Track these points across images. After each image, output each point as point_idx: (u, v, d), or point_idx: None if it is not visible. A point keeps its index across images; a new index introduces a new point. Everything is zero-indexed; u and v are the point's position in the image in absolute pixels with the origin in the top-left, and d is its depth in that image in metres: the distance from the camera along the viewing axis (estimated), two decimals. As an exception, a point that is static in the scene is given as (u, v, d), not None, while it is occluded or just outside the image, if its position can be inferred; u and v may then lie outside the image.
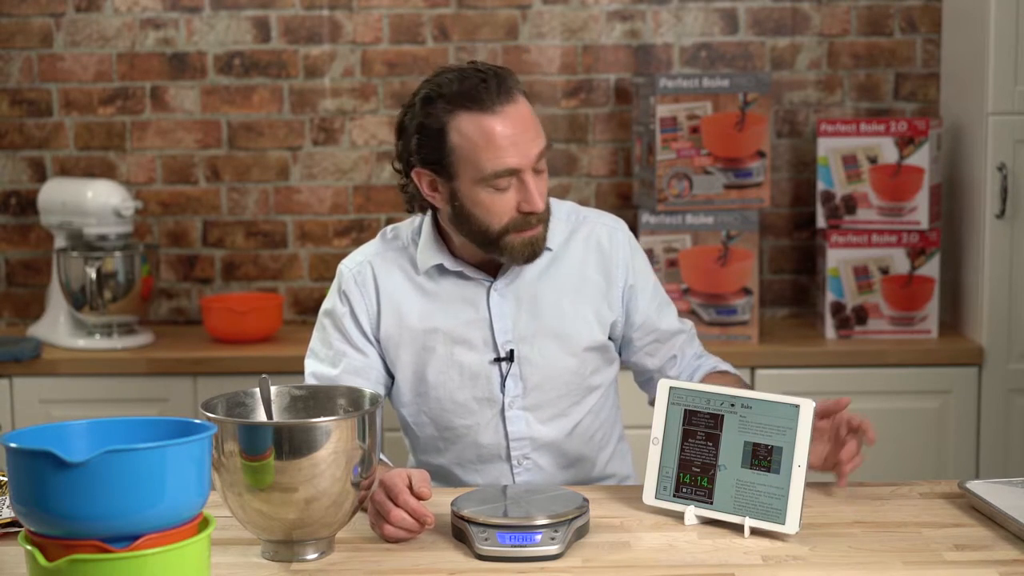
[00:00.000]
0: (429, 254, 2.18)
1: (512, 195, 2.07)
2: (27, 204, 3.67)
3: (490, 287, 2.18)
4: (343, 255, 3.69)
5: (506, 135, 2.04)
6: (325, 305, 2.24)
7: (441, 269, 2.19)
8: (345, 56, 3.63)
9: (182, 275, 3.71)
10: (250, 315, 3.42)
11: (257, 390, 1.86)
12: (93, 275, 3.34)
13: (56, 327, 3.45)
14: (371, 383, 2.18)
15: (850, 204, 3.38)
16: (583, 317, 2.20)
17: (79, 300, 3.38)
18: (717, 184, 3.32)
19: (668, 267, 3.33)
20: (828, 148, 3.39)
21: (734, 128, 3.31)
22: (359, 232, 3.69)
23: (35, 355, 3.30)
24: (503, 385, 2.18)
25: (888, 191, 3.36)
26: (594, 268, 2.23)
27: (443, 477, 2.26)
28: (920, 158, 3.33)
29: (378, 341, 2.20)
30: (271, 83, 3.64)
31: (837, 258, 3.39)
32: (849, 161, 3.38)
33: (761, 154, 3.31)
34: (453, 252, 2.19)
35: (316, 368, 2.21)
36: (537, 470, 2.23)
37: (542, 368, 2.18)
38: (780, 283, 3.72)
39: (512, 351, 2.17)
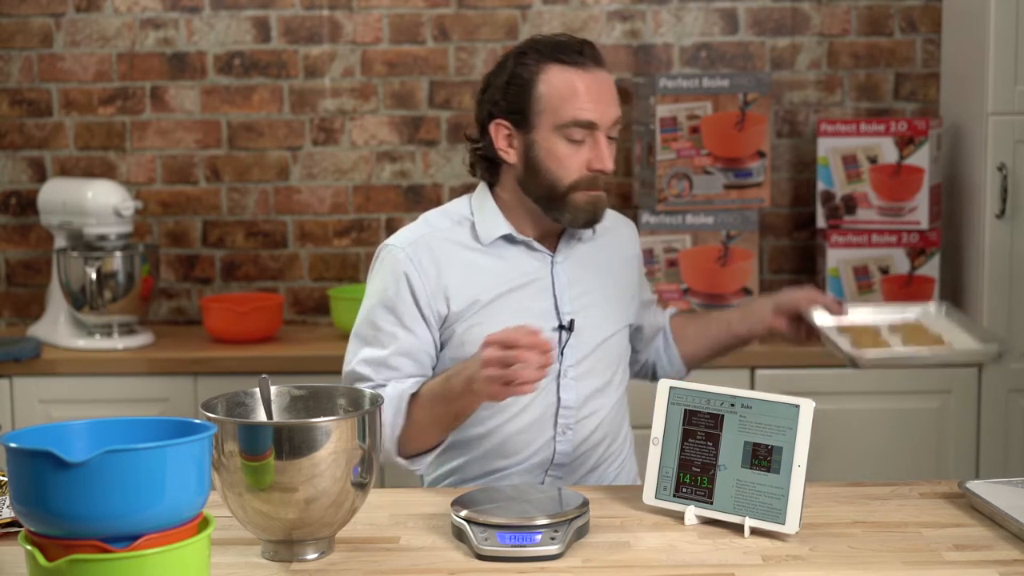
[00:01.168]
0: (493, 225, 2.25)
1: (585, 152, 2.18)
2: (27, 204, 3.67)
3: (553, 260, 2.27)
4: (343, 255, 3.73)
5: (591, 90, 2.16)
6: (375, 288, 2.23)
7: (508, 240, 2.25)
8: (345, 56, 3.63)
9: (182, 275, 3.71)
10: (250, 315, 3.42)
11: (257, 390, 1.86)
12: (93, 275, 3.34)
13: (56, 327, 3.45)
14: (420, 365, 2.20)
15: (850, 204, 3.38)
16: (625, 295, 2.37)
17: (79, 300, 3.38)
18: (717, 184, 3.32)
19: (668, 267, 3.33)
20: (828, 148, 3.39)
21: (734, 128, 3.31)
22: (359, 232, 3.69)
23: (35, 355, 3.30)
24: (562, 353, 2.23)
25: (888, 191, 3.36)
26: (616, 251, 2.38)
27: (480, 451, 2.25)
28: (920, 158, 3.33)
29: (442, 317, 2.21)
30: (271, 83, 3.64)
31: (837, 258, 3.39)
32: (849, 161, 3.38)
33: (761, 154, 3.31)
34: (514, 226, 2.26)
35: (364, 352, 2.20)
36: (572, 441, 2.25)
37: (595, 340, 2.27)
38: (780, 283, 3.72)
39: (572, 321, 2.24)
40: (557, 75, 2.17)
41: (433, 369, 2.24)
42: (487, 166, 2.26)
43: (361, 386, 2.12)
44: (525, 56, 2.20)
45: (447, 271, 2.21)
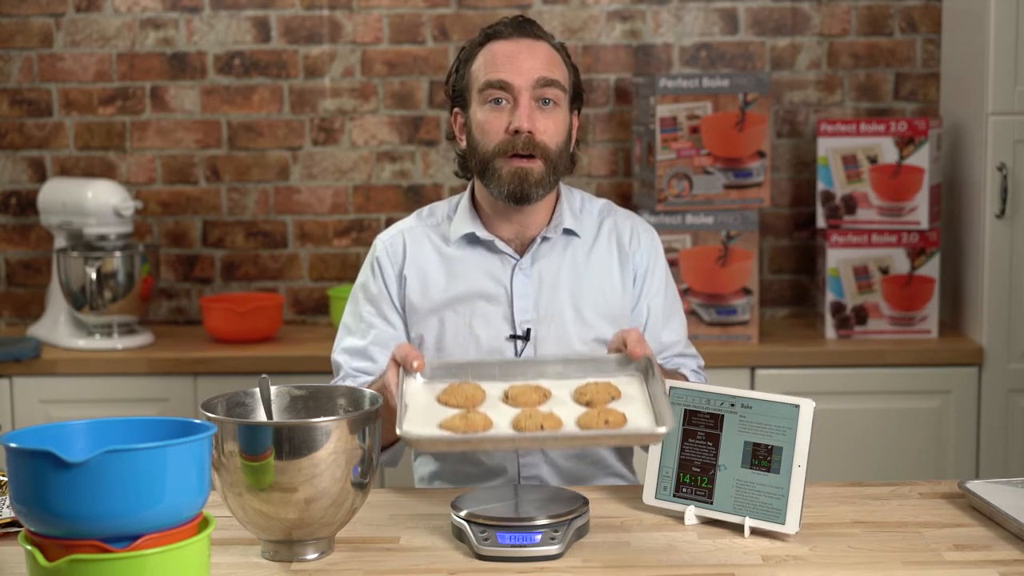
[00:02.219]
0: (462, 223, 2.25)
1: (505, 116, 2.16)
2: (27, 204, 3.67)
3: (516, 265, 2.22)
4: (343, 255, 3.73)
5: (507, 53, 2.18)
6: (359, 279, 2.29)
7: (471, 239, 2.24)
8: (345, 56, 3.63)
9: (182, 275, 3.71)
10: (250, 315, 3.41)
11: (257, 390, 1.86)
12: (93, 275, 3.34)
13: (56, 327, 3.45)
14: None
15: (850, 204, 3.38)
16: (610, 307, 2.24)
17: (79, 300, 3.38)
18: (717, 184, 3.32)
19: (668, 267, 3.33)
20: (828, 148, 3.39)
21: (734, 128, 3.31)
22: (359, 232, 3.69)
23: (35, 355, 3.30)
24: None
25: (888, 191, 3.36)
26: (616, 260, 2.28)
27: (450, 456, 2.25)
28: (920, 158, 3.33)
29: (403, 309, 2.24)
30: (271, 83, 3.64)
31: (837, 258, 3.39)
32: (849, 161, 3.38)
33: (761, 154, 3.31)
34: (486, 225, 2.24)
35: (346, 341, 2.26)
36: (545, 454, 2.22)
37: (560, 350, 2.20)
38: (780, 283, 3.72)
39: (528, 330, 2.20)
40: (485, 51, 2.21)
41: None
42: (462, 162, 2.28)
43: (333, 380, 2.23)
44: (468, 43, 2.26)
45: (411, 264, 2.24)
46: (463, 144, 2.24)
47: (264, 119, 3.65)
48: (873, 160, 3.36)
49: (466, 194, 2.28)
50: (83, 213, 3.37)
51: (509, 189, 2.15)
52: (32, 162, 3.68)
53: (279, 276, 3.71)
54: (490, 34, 2.22)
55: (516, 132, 2.14)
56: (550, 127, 2.17)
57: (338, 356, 2.26)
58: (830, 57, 3.64)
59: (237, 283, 3.71)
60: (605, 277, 2.26)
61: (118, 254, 3.38)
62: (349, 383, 2.19)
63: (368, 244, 3.67)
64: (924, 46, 3.63)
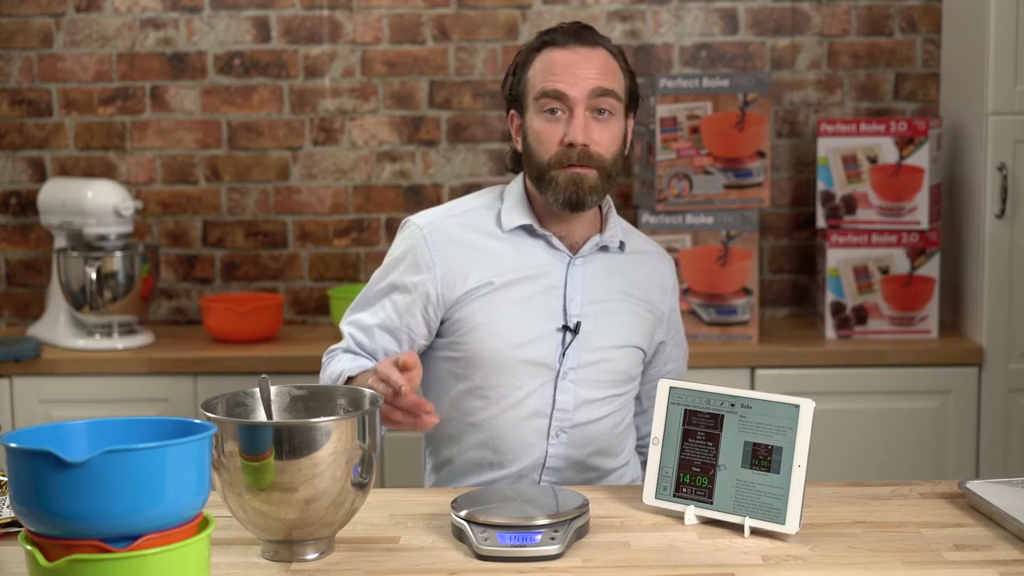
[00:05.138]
0: (516, 214, 2.26)
1: (561, 126, 2.18)
2: (27, 204, 3.67)
3: (570, 261, 2.25)
4: (343, 255, 3.73)
5: (564, 63, 2.19)
6: (388, 258, 2.29)
7: (528, 231, 2.25)
8: (345, 56, 3.63)
9: (182, 275, 3.71)
10: (250, 315, 3.42)
11: (257, 390, 1.86)
12: (93, 275, 3.34)
13: (56, 327, 3.45)
14: (397, 343, 2.25)
15: (850, 204, 3.38)
16: (646, 319, 2.31)
17: (79, 300, 3.38)
18: (717, 184, 3.32)
19: (668, 267, 3.33)
20: (828, 148, 3.39)
21: (734, 128, 3.31)
22: (359, 232, 3.69)
23: (35, 355, 3.30)
24: (563, 354, 2.21)
25: (888, 191, 3.36)
26: (660, 282, 2.36)
27: (472, 442, 2.26)
28: (920, 158, 3.33)
29: (450, 301, 2.23)
30: (271, 83, 3.64)
31: (837, 258, 3.39)
32: (849, 161, 3.38)
33: (761, 154, 3.31)
34: (539, 219, 2.26)
35: (356, 315, 2.29)
36: (566, 447, 2.24)
37: (600, 349, 2.24)
38: (780, 283, 3.72)
39: (579, 323, 2.22)
40: (543, 57, 2.21)
41: (421, 350, 2.28)
42: (515, 158, 2.30)
43: (335, 346, 2.28)
44: (525, 47, 2.27)
45: (460, 255, 2.24)
46: (519, 146, 2.27)
47: (264, 119, 3.65)
48: (873, 160, 3.36)
49: (518, 188, 2.28)
50: (83, 213, 3.37)
51: (565, 196, 2.18)
52: (32, 162, 3.68)
53: (279, 276, 3.71)
54: (547, 40, 2.23)
55: (571, 145, 2.17)
56: (605, 138, 2.19)
57: (344, 326, 2.30)
58: (830, 57, 3.64)
59: (237, 283, 3.71)
60: (646, 288, 2.33)
61: (118, 254, 3.38)
62: (347, 359, 2.22)
63: (368, 244, 3.68)
64: (924, 46, 3.63)
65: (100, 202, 3.36)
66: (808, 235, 3.68)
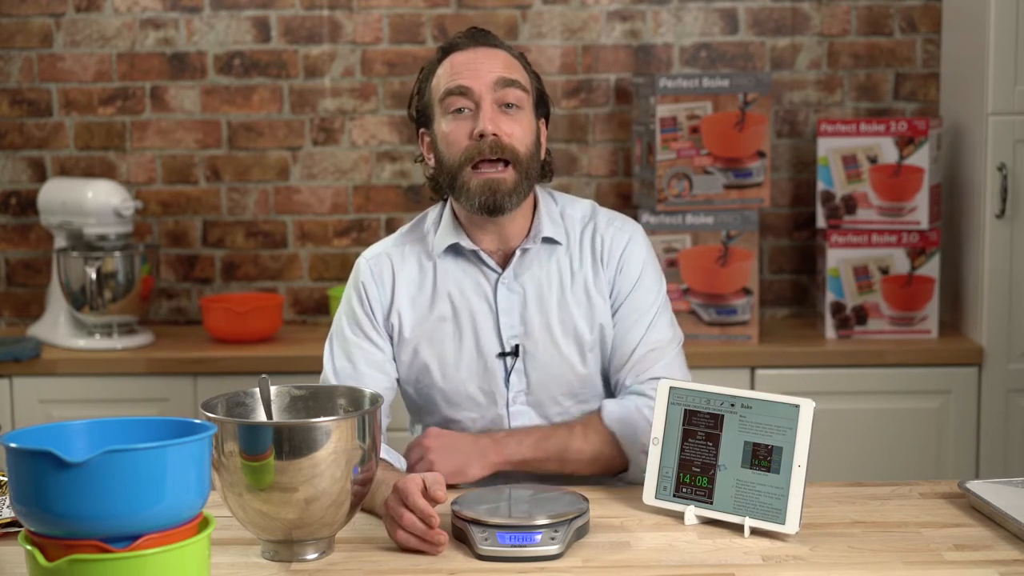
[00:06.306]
0: (445, 235, 2.19)
1: (468, 123, 2.12)
2: (27, 204, 3.67)
3: (498, 279, 2.18)
4: (343, 255, 3.73)
5: (464, 61, 2.15)
6: (344, 300, 2.24)
7: (456, 250, 2.19)
8: (345, 56, 3.63)
9: (182, 275, 3.71)
10: (250, 315, 3.42)
11: (257, 390, 1.86)
12: (93, 275, 3.34)
13: (56, 327, 3.45)
14: (387, 377, 2.19)
15: (850, 204, 3.38)
16: (584, 315, 2.19)
17: (79, 300, 3.38)
18: (717, 184, 3.32)
19: (668, 267, 3.33)
20: (828, 148, 3.39)
21: (734, 128, 3.31)
22: (359, 232, 3.69)
23: (35, 355, 3.30)
24: (507, 380, 2.17)
25: (888, 191, 3.36)
26: (590, 269, 2.21)
27: None
28: (920, 158, 3.33)
29: (389, 333, 2.20)
30: (271, 83, 3.64)
31: (837, 258, 3.39)
32: (849, 161, 3.38)
33: (761, 154, 3.31)
34: (469, 236, 2.19)
35: (338, 363, 2.19)
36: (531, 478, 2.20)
37: (546, 364, 2.17)
38: (780, 283, 3.72)
39: (517, 346, 2.17)
40: (444, 64, 2.18)
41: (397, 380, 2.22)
42: (434, 184, 2.23)
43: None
44: (426, 63, 2.23)
45: (400, 288, 2.19)
46: (431, 163, 2.19)
47: (264, 119, 3.65)
48: (873, 160, 3.36)
49: (448, 208, 2.22)
50: (83, 213, 3.37)
51: (480, 201, 2.10)
52: (32, 162, 3.68)
53: (279, 276, 3.71)
54: (447, 48, 2.19)
55: (481, 136, 2.10)
56: (516, 130, 2.12)
57: (330, 374, 2.19)
58: (830, 57, 3.64)
59: (237, 283, 3.71)
60: (591, 286, 2.20)
61: (118, 254, 3.38)
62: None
63: (368, 244, 3.67)
64: (924, 46, 3.63)
65: (100, 202, 3.36)
66: (808, 235, 3.68)
